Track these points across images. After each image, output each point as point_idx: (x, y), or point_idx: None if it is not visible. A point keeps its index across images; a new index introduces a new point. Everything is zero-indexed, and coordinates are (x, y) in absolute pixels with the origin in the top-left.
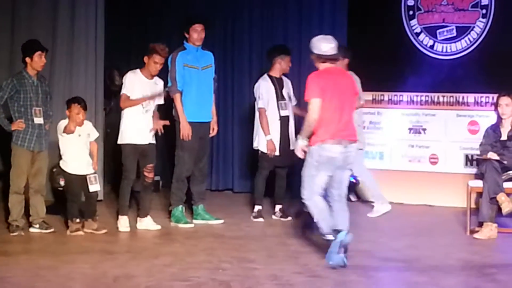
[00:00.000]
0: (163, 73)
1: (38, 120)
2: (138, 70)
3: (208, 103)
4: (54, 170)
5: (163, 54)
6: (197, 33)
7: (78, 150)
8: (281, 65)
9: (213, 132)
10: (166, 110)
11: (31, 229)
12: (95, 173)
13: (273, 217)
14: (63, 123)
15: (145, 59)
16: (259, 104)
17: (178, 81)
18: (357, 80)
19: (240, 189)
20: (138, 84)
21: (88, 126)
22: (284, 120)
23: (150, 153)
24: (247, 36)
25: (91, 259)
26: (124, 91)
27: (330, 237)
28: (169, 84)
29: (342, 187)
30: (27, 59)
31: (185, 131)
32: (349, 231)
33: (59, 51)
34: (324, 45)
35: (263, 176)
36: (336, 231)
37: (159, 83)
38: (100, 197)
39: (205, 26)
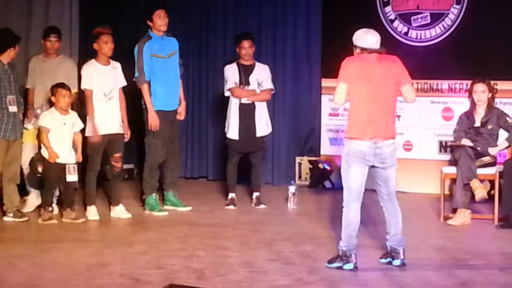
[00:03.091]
0: (130, 63)
1: (13, 108)
2: (93, 60)
3: (176, 90)
4: (34, 156)
5: (107, 31)
6: (160, 18)
7: (60, 139)
8: (240, 52)
9: (179, 117)
10: (134, 100)
11: (5, 218)
12: (75, 163)
13: (252, 204)
14: (44, 115)
15: (95, 46)
16: (227, 86)
17: (145, 71)
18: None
19: (215, 177)
20: (96, 74)
21: (73, 116)
22: (245, 107)
23: (118, 143)
24: (221, 24)
25: (65, 248)
26: (84, 85)
27: (346, 261)
28: (136, 74)
29: (389, 185)
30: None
31: (153, 121)
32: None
33: (34, 39)
34: (370, 37)
35: (232, 163)
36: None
37: (117, 66)
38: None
39: (167, 11)
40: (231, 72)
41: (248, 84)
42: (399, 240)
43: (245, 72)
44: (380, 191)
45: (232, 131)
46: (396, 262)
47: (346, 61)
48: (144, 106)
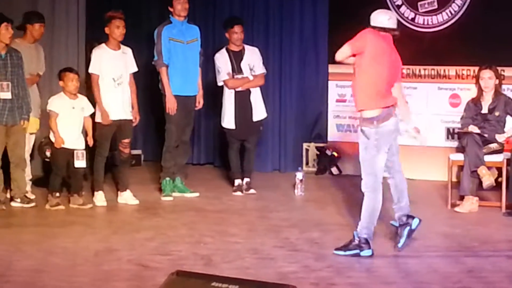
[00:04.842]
0: (150, 47)
1: (5, 95)
2: (103, 44)
3: (193, 77)
4: (43, 140)
5: (120, 16)
6: (180, 4)
7: (69, 123)
8: (230, 37)
9: (199, 105)
10: (152, 83)
11: (13, 204)
12: (83, 149)
13: (243, 190)
14: (53, 99)
15: (106, 30)
16: (220, 77)
17: (164, 54)
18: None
19: (221, 163)
20: (105, 59)
21: (83, 100)
22: (240, 94)
23: (126, 128)
24: (227, 11)
25: (72, 233)
26: (91, 70)
27: (366, 248)
28: (155, 58)
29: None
30: None
31: (171, 104)
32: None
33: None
34: (388, 17)
35: (233, 150)
36: (408, 217)
37: (127, 51)
38: None
39: None
40: (223, 62)
41: (241, 71)
42: (408, 205)
43: (236, 58)
44: (394, 164)
45: (228, 121)
46: (415, 222)
47: (370, 34)
48: (162, 91)
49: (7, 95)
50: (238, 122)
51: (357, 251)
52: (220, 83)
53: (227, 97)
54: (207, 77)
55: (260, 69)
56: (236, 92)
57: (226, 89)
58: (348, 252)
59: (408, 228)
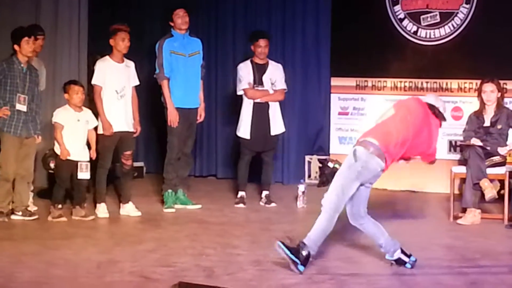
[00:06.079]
0: (151, 60)
1: (21, 107)
2: (107, 57)
3: (195, 89)
4: (47, 152)
5: (126, 28)
6: (180, 18)
7: (74, 136)
8: (255, 50)
9: (200, 118)
10: (154, 96)
11: (13, 216)
12: (87, 160)
13: (260, 203)
14: (58, 111)
15: (111, 42)
16: (241, 86)
17: (165, 67)
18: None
19: (224, 175)
20: (109, 71)
21: (87, 113)
22: (259, 107)
23: (129, 140)
24: (230, 23)
25: (74, 245)
26: (94, 81)
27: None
28: (157, 71)
29: (366, 202)
30: (16, 47)
31: (173, 117)
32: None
33: None
34: (441, 102)
35: (245, 161)
36: (403, 254)
37: (130, 65)
38: None
39: (187, 10)
40: (245, 72)
41: (262, 84)
42: (393, 244)
43: (259, 71)
44: (359, 210)
45: (244, 130)
46: (408, 266)
47: (415, 102)
48: (164, 104)
49: (23, 108)
50: (254, 133)
51: (297, 260)
52: (239, 92)
53: (246, 108)
54: (209, 88)
55: (282, 85)
56: (254, 104)
57: (245, 99)
58: (291, 256)
59: (402, 266)
